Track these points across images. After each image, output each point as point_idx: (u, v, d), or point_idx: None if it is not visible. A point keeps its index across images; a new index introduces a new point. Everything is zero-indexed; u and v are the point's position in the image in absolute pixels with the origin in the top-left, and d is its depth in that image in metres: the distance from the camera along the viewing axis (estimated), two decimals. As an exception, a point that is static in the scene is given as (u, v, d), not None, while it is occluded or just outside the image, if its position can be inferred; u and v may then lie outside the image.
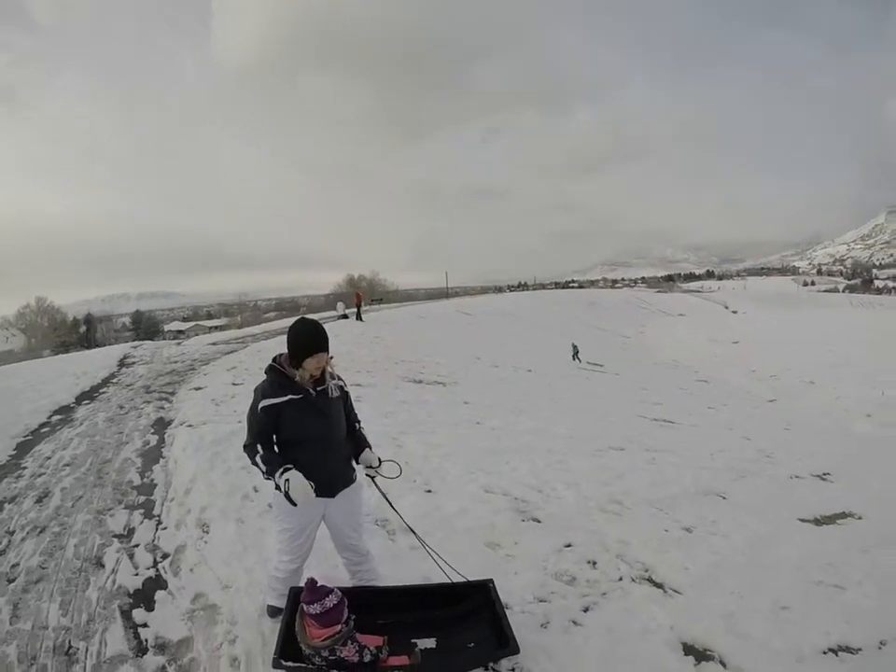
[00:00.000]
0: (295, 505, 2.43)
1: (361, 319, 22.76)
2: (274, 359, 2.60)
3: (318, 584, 2.40)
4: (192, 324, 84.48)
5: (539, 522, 4.01)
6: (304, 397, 2.52)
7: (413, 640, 2.50)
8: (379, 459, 2.77)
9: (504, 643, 2.38)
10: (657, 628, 2.79)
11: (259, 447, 2.49)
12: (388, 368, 11.09)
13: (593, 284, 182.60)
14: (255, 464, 2.51)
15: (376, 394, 8.35)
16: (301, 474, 2.42)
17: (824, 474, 5.85)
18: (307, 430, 2.52)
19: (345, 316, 23.90)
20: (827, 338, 29.67)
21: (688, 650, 2.65)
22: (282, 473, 2.41)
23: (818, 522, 4.38)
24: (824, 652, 2.68)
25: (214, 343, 16.43)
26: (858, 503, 4.77)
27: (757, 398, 17.82)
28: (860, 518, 4.47)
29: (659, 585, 3.21)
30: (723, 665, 2.56)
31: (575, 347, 20.81)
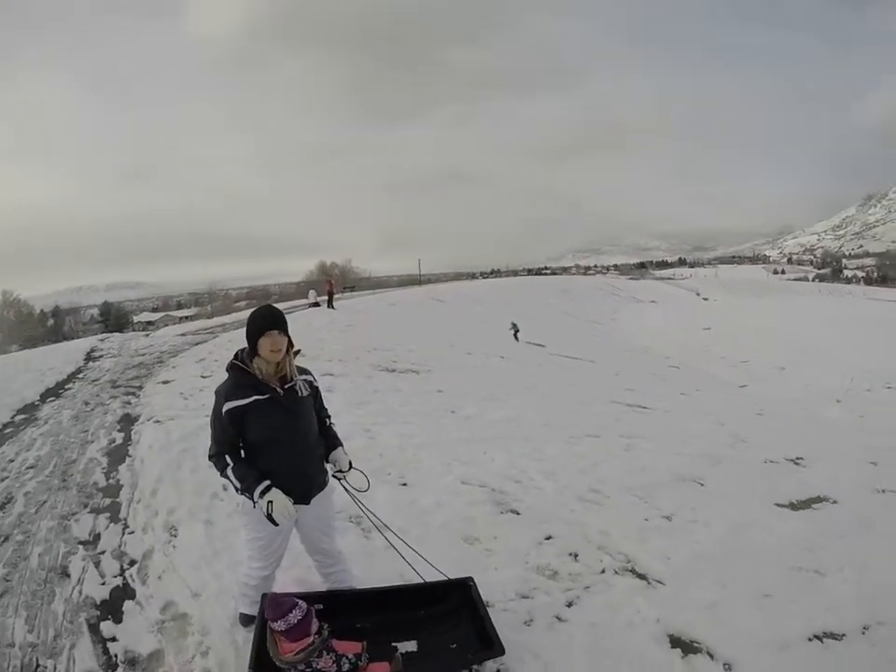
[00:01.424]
0: (277, 525, 2.28)
1: (333, 307, 22.58)
2: (236, 356, 2.36)
3: (281, 598, 2.25)
4: (162, 314, 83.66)
5: (517, 514, 3.93)
6: (271, 397, 2.31)
7: (393, 644, 2.40)
8: (350, 464, 2.60)
9: (488, 644, 2.29)
10: (642, 621, 2.75)
11: (227, 458, 2.30)
12: (360, 356, 10.85)
13: (565, 271, 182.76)
14: (225, 477, 2.32)
15: (348, 384, 8.18)
16: (281, 493, 2.25)
17: (797, 458, 5.89)
18: (276, 434, 2.32)
19: (317, 304, 23.74)
20: (797, 326, 30.26)
21: (674, 642, 2.61)
22: (262, 494, 2.23)
23: (794, 507, 4.39)
24: (809, 639, 2.67)
25: (183, 334, 16.14)
26: (831, 487, 4.80)
27: (729, 383, 18.10)
28: (834, 503, 4.50)
29: (642, 576, 3.17)
30: (711, 656, 2.53)
31: (514, 326, 20.38)
